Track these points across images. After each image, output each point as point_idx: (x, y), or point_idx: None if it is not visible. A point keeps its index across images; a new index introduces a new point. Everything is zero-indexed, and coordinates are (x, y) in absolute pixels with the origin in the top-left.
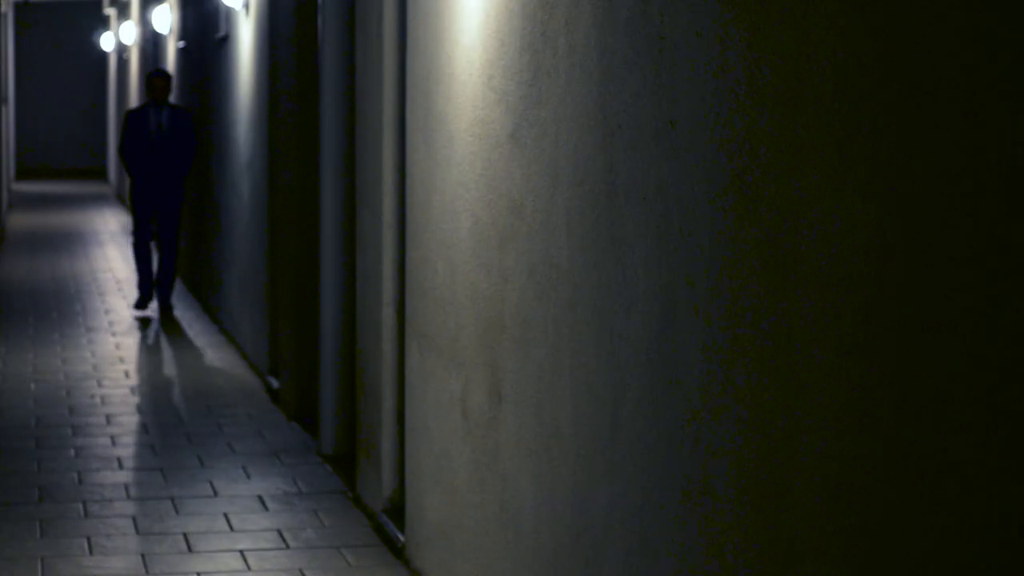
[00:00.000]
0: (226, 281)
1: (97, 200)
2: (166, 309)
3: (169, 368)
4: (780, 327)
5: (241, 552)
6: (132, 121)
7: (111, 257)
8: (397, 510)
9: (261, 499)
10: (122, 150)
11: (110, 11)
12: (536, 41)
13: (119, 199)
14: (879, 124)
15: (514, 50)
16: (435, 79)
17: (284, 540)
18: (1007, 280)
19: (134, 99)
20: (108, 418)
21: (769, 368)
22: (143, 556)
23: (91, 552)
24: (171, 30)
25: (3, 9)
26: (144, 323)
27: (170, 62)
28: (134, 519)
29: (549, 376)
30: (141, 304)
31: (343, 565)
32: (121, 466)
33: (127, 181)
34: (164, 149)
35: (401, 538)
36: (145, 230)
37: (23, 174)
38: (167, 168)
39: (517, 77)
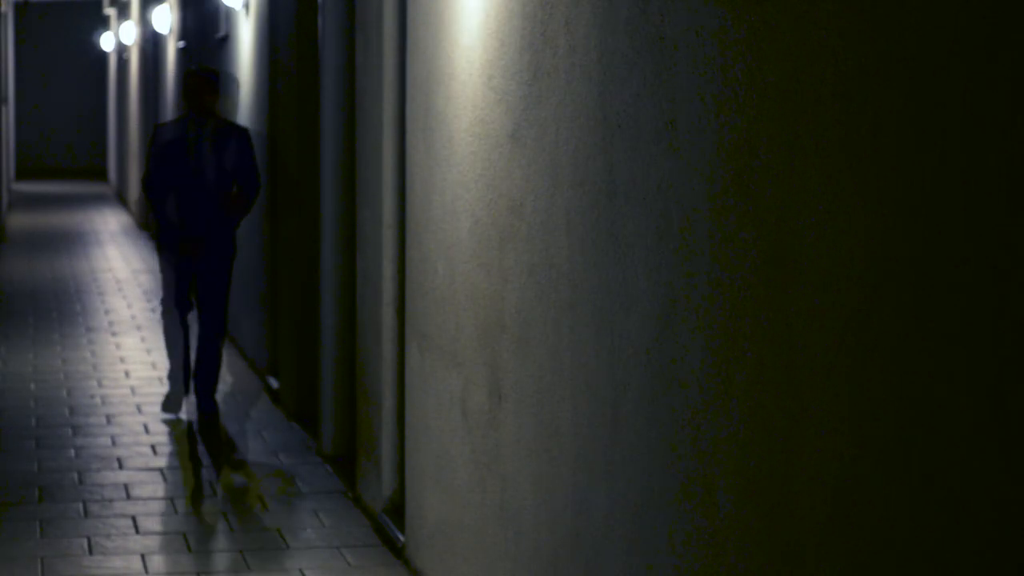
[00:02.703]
0: None
1: (97, 200)
2: (208, 415)
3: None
4: (780, 327)
5: (241, 552)
6: (162, 140)
7: (111, 257)
8: (397, 510)
9: (261, 499)
10: (149, 183)
11: (110, 11)
12: (536, 41)
13: (119, 198)
14: (879, 124)
15: (514, 50)
16: (435, 79)
17: (284, 540)
18: (1007, 280)
19: (134, 100)
20: (108, 418)
21: (769, 368)
22: (143, 556)
23: (91, 552)
24: (171, 30)
25: (3, 9)
26: (177, 430)
27: (170, 62)
28: (134, 519)
29: (549, 376)
30: (173, 403)
31: (343, 565)
32: (121, 466)
33: (150, 209)
34: (210, 183)
35: (401, 538)
36: (182, 300)
37: (23, 174)
38: (213, 210)
39: (517, 77)
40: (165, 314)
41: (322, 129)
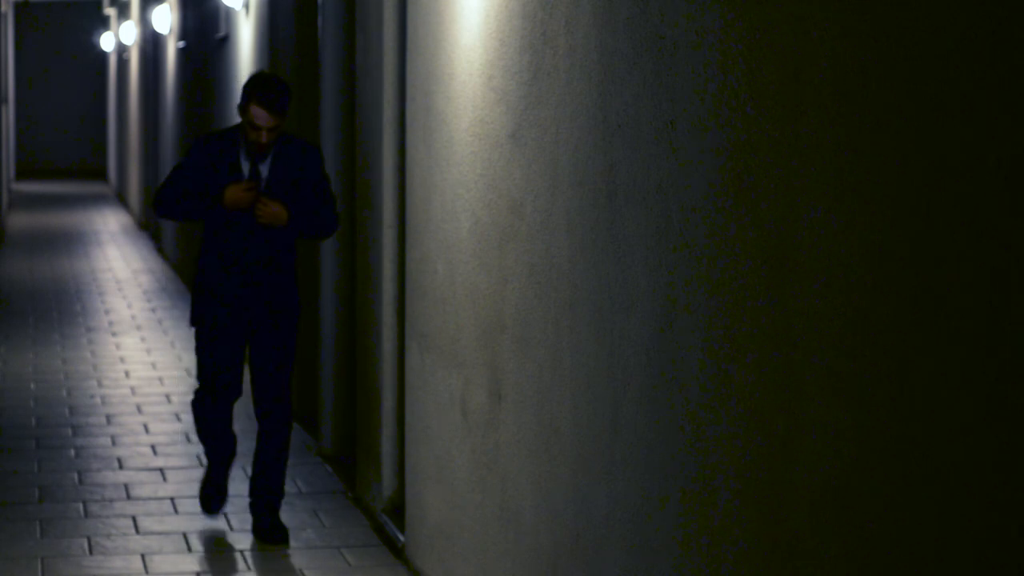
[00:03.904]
0: None
1: (97, 200)
2: (273, 532)
3: (169, 368)
4: (780, 327)
5: (241, 552)
6: (205, 159)
7: (111, 257)
8: (397, 510)
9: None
10: (165, 199)
11: (110, 11)
12: (536, 41)
13: (119, 198)
14: (879, 124)
15: (514, 50)
16: (435, 79)
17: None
18: (1006, 279)
19: (134, 100)
20: (108, 418)
21: (769, 368)
22: (143, 556)
23: (91, 552)
24: (171, 30)
25: (3, 9)
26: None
27: (170, 62)
28: (134, 519)
29: (549, 376)
30: (214, 499)
31: (343, 565)
32: (121, 466)
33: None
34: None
35: (401, 538)
36: (230, 380)
37: (23, 174)
38: (271, 252)
39: (517, 77)
40: (198, 403)
41: (322, 129)
